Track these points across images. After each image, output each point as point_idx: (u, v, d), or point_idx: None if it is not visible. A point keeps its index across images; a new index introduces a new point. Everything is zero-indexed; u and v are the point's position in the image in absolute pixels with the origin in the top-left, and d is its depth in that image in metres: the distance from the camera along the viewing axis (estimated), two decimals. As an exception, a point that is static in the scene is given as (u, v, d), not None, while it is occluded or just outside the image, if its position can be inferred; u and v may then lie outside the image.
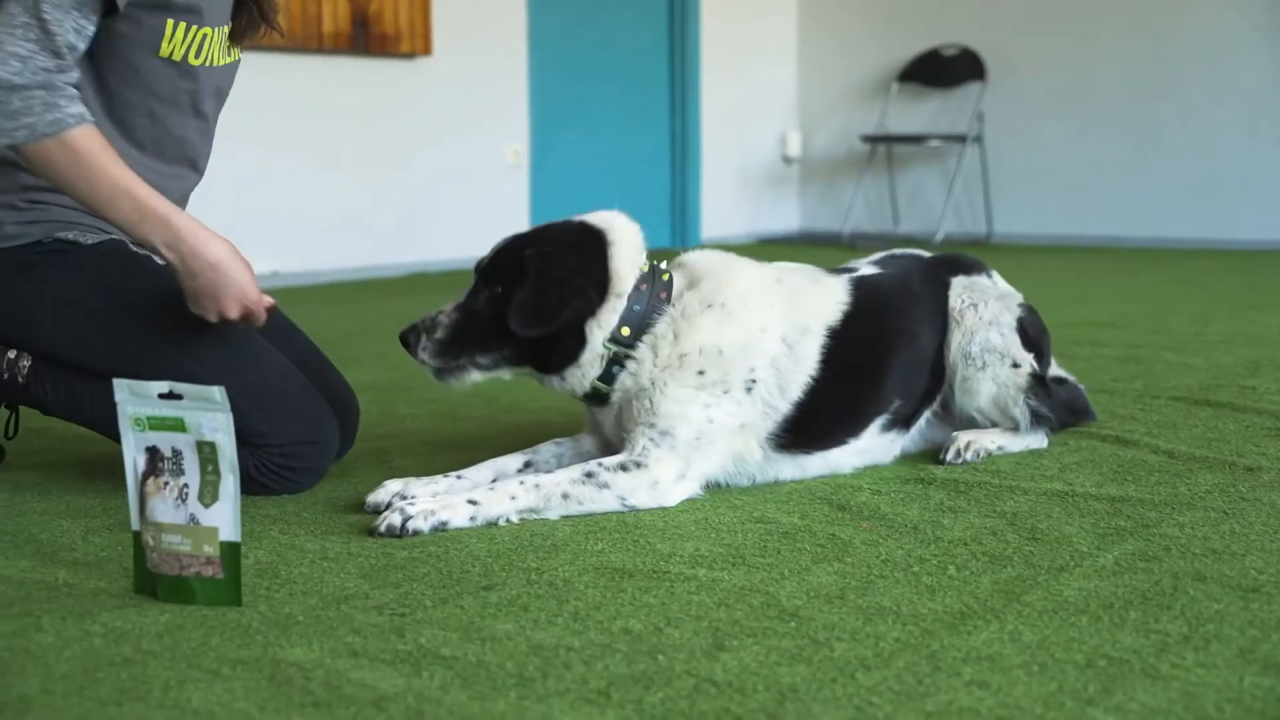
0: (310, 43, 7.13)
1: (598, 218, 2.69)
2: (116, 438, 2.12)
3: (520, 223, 8.43)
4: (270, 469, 2.60)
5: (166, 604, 2.02)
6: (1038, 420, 2.92)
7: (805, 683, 1.72)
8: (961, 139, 9.43)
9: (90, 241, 2.65)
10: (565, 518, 2.49)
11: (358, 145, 7.45)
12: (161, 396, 2.04)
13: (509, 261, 2.59)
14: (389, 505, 2.51)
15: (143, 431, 2.05)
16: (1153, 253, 8.57)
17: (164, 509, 2.04)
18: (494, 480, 2.60)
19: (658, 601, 2.03)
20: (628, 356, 2.61)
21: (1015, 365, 2.88)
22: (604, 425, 2.73)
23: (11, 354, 2.68)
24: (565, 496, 2.49)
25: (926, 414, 2.93)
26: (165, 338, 2.59)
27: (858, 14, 10.13)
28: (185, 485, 2.03)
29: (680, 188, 9.61)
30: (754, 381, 2.64)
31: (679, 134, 9.58)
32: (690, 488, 2.60)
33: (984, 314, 2.89)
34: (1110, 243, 9.12)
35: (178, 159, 2.75)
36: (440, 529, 2.39)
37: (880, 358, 2.80)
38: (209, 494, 2.02)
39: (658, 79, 9.51)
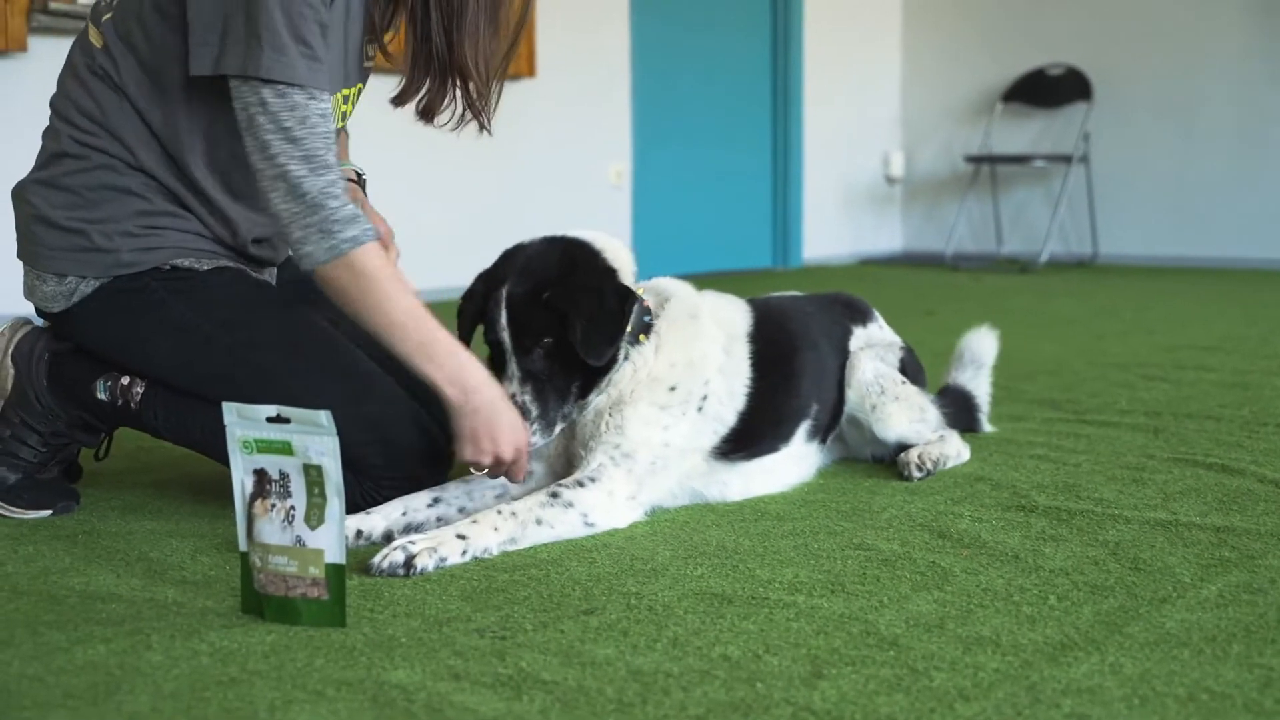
0: (416, 65, 7.20)
1: (567, 235, 2.73)
2: (226, 462, 2.16)
3: (623, 242, 8.45)
4: (374, 499, 2.62)
5: (272, 624, 2.05)
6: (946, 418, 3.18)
7: (904, 712, 1.72)
8: (1067, 159, 9.35)
9: (206, 268, 2.68)
10: (539, 545, 2.49)
11: (461, 167, 7.51)
12: (269, 420, 2.07)
13: (538, 312, 2.59)
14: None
15: (251, 454, 2.09)
16: (1262, 274, 8.46)
17: (271, 530, 2.07)
18: (402, 513, 2.57)
19: (756, 628, 2.03)
20: (628, 353, 2.70)
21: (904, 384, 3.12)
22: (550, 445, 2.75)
23: (124, 380, 2.71)
24: (539, 522, 2.50)
25: (834, 433, 3.12)
26: (283, 366, 2.61)
27: (962, 34, 10.08)
28: (292, 507, 2.06)
29: (782, 208, 9.60)
30: (705, 398, 2.74)
31: (781, 154, 9.58)
32: (637, 513, 2.65)
33: (877, 354, 3.12)
34: (1218, 264, 9.01)
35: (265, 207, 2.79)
36: (442, 565, 2.35)
37: (790, 360, 2.93)
38: (315, 516, 2.05)
39: (760, 98, 9.52)
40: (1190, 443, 3.33)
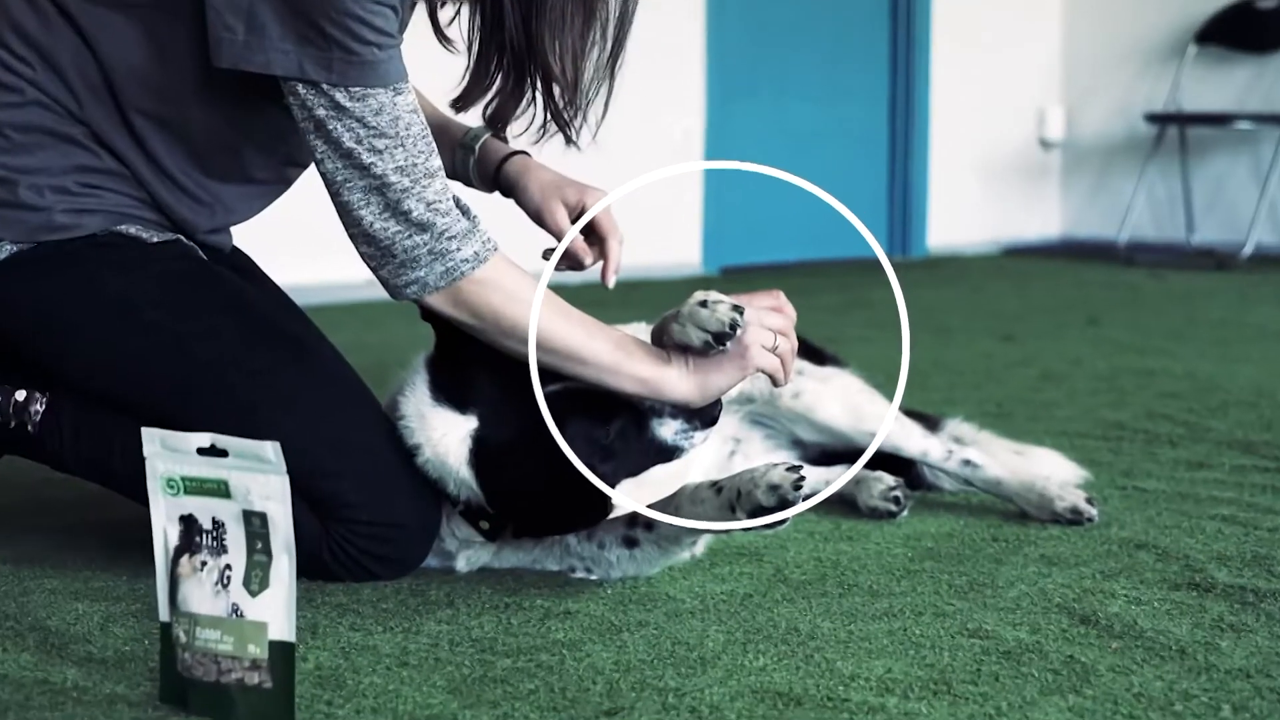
0: None
1: None
2: (148, 503, 2.16)
3: (693, 224, 8.44)
4: (348, 554, 2.63)
5: (199, 719, 2.06)
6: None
7: None
8: (1280, 121, 9.31)
9: (155, 240, 2.69)
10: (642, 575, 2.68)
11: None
12: (201, 451, 2.08)
13: None
14: None
15: (176, 495, 2.10)
16: None
17: (200, 596, 2.08)
18: None
19: (831, 740, 2.03)
20: None
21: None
22: None
23: (20, 395, 2.71)
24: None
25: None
26: (237, 364, 2.63)
27: (1144, -45, 10.05)
28: (228, 567, 2.07)
29: (902, 181, 9.60)
30: None
31: (901, 111, 9.58)
32: None
33: None
34: None
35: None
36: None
37: None
38: (257, 579, 2.06)
39: (875, 42, 9.52)
40: None
